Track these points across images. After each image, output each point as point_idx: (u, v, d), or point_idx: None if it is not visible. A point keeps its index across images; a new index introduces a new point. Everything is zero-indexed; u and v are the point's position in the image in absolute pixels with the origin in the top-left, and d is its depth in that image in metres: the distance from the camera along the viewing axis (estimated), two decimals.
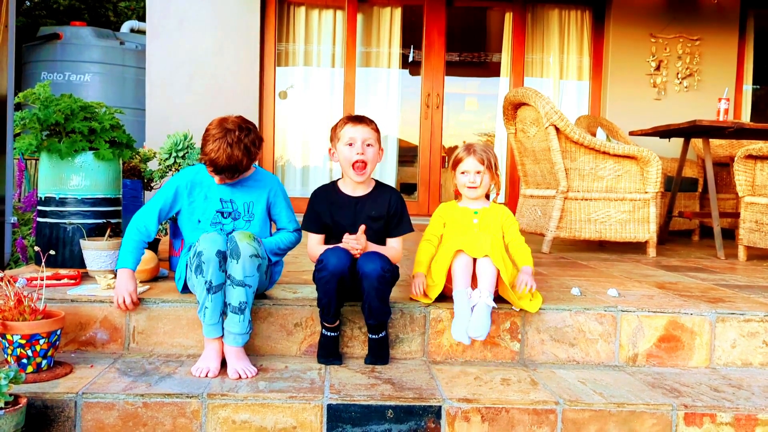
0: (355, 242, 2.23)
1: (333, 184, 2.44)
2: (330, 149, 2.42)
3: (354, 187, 2.39)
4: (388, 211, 2.38)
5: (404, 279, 2.82)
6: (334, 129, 2.40)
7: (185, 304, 2.32)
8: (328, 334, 2.27)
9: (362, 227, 2.26)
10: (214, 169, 2.24)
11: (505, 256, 2.31)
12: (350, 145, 2.32)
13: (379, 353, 2.28)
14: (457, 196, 2.58)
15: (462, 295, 2.23)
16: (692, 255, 4.18)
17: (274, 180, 2.46)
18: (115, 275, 2.64)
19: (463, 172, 2.48)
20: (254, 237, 2.19)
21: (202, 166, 2.39)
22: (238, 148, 2.20)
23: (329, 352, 2.26)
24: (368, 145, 2.32)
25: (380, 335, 2.28)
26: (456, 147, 6.88)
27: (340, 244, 2.25)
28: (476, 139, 6.69)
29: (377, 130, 2.37)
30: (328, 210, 2.37)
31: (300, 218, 2.46)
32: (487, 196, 2.56)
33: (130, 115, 5.61)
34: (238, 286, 2.11)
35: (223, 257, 2.11)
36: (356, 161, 2.31)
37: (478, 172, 2.45)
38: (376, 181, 2.45)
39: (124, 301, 2.23)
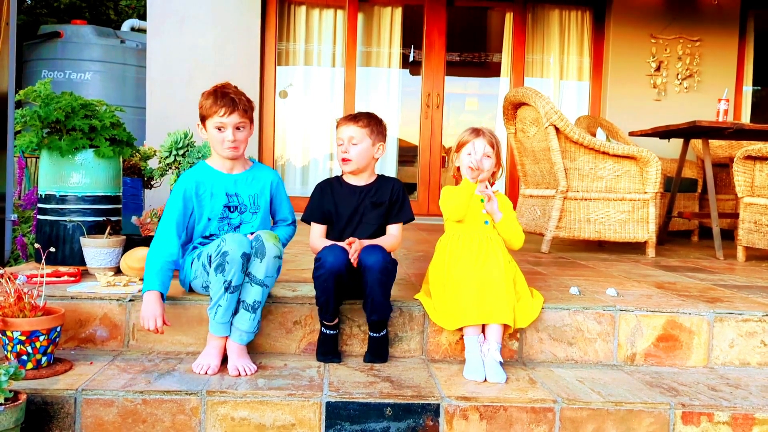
0: (347, 247, 2.23)
1: (337, 177, 2.48)
2: None
3: (357, 179, 2.43)
4: (391, 197, 2.41)
5: (402, 278, 2.83)
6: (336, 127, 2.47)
7: (185, 302, 2.33)
8: (328, 332, 2.27)
9: (349, 239, 2.27)
10: (213, 99, 2.28)
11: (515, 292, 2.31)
12: (339, 144, 2.39)
13: (379, 351, 2.28)
14: (457, 181, 2.52)
15: (473, 342, 2.20)
16: (691, 255, 4.19)
17: (273, 172, 2.49)
18: (115, 272, 2.66)
19: (470, 153, 2.40)
20: (278, 238, 2.20)
21: (201, 165, 2.40)
22: (231, 89, 2.32)
23: (328, 350, 2.27)
24: (354, 143, 2.36)
25: (381, 333, 2.28)
26: None
27: (338, 243, 2.26)
28: None
29: (367, 126, 2.38)
30: (331, 197, 2.40)
31: (298, 216, 2.48)
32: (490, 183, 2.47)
33: (131, 114, 5.62)
34: (256, 285, 2.12)
35: (246, 259, 2.11)
36: (341, 159, 2.38)
37: (488, 156, 2.40)
38: (379, 174, 2.48)
39: (155, 326, 2.14)
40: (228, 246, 2.10)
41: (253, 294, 2.13)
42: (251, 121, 2.36)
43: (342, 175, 2.47)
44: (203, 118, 2.32)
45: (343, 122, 2.41)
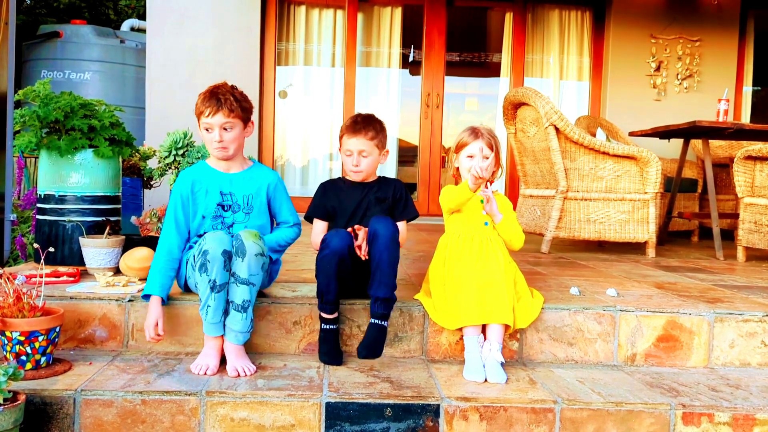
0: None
1: (340, 177, 2.53)
2: (339, 148, 2.48)
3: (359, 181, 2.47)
4: (394, 195, 2.45)
5: (402, 278, 2.82)
6: (340, 131, 2.46)
7: (184, 302, 2.32)
8: (327, 327, 2.24)
9: (356, 225, 2.29)
10: (202, 99, 2.27)
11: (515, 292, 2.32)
12: (348, 155, 2.41)
13: (375, 344, 2.19)
14: (457, 180, 2.52)
15: (473, 343, 2.19)
16: (691, 255, 4.18)
17: (273, 174, 2.45)
18: (114, 273, 2.66)
19: (470, 156, 2.41)
20: (260, 236, 2.19)
21: (200, 164, 2.41)
22: (222, 90, 2.30)
23: (330, 349, 2.23)
24: (364, 156, 2.39)
25: (384, 323, 2.22)
26: None
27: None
28: None
29: (376, 136, 2.40)
30: (335, 194, 2.44)
31: (301, 217, 2.48)
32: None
33: (130, 114, 5.61)
34: (242, 284, 2.11)
35: (228, 257, 2.10)
36: (351, 170, 2.42)
37: (486, 157, 2.38)
38: (380, 176, 2.52)
39: (149, 336, 2.17)
40: (207, 244, 2.10)
41: (240, 294, 2.12)
42: (243, 121, 2.32)
43: (345, 175, 2.50)
44: (197, 117, 2.34)
45: (351, 134, 2.40)
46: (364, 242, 2.23)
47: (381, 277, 2.19)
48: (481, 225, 2.42)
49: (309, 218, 2.46)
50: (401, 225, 2.44)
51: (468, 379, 2.12)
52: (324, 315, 2.25)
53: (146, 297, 2.23)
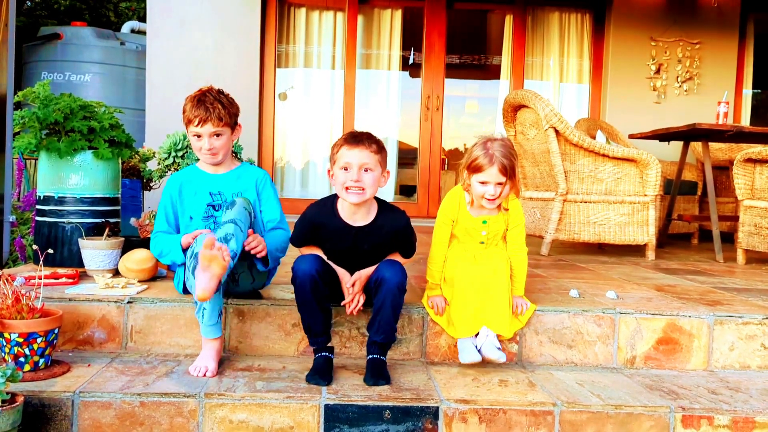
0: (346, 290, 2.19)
1: (332, 205, 2.20)
2: (329, 170, 2.18)
3: (353, 213, 2.17)
4: (394, 238, 2.23)
5: None
6: (333, 148, 2.16)
7: (183, 304, 2.32)
8: (321, 354, 2.12)
9: (348, 285, 2.21)
10: (190, 107, 2.27)
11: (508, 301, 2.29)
12: (345, 169, 2.09)
13: (380, 373, 2.09)
14: (469, 191, 2.31)
15: (466, 342, 2.21)
16: (691, 258, 4.18)
17: (261, 171, 2.47)
18: (114, 274, 2.66)
19: (483, 183, 2.22)
20: (250, 202, 2.24)
21: (190, 167, 2.46)
22: (209, 97, 2.28)
23: (321, 374, 2.06)
24: (366, 170, 2.08)
25: (383, 357, 2.15)
26: (456, 150, 6.90)
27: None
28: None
29: (379, 152, 2.11)
30: (325, 234, 2.21)
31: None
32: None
33: (130, 115, 5.61)
34: (227, 223, 2.10)
35: None
36: (348, 187, 2.09)
37: (500, 184, 2.21)
38: (379, 205, 2.23)
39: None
40: (198, 247, 2.10)
41: (223, 229, 2.10)
42: (231, 126, 2.33)
43: (337, 201, 2.20)
44: (186, 124, 2.35)
45: (351, 145, 2.09)
46: (356, 298, 2.18)
47: (382, 322, 2.11)
48: (477, 244, 2.37)
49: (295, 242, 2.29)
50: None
51: (465, 362, 2.16)
52: (315, 348, 2.15)
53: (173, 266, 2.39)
